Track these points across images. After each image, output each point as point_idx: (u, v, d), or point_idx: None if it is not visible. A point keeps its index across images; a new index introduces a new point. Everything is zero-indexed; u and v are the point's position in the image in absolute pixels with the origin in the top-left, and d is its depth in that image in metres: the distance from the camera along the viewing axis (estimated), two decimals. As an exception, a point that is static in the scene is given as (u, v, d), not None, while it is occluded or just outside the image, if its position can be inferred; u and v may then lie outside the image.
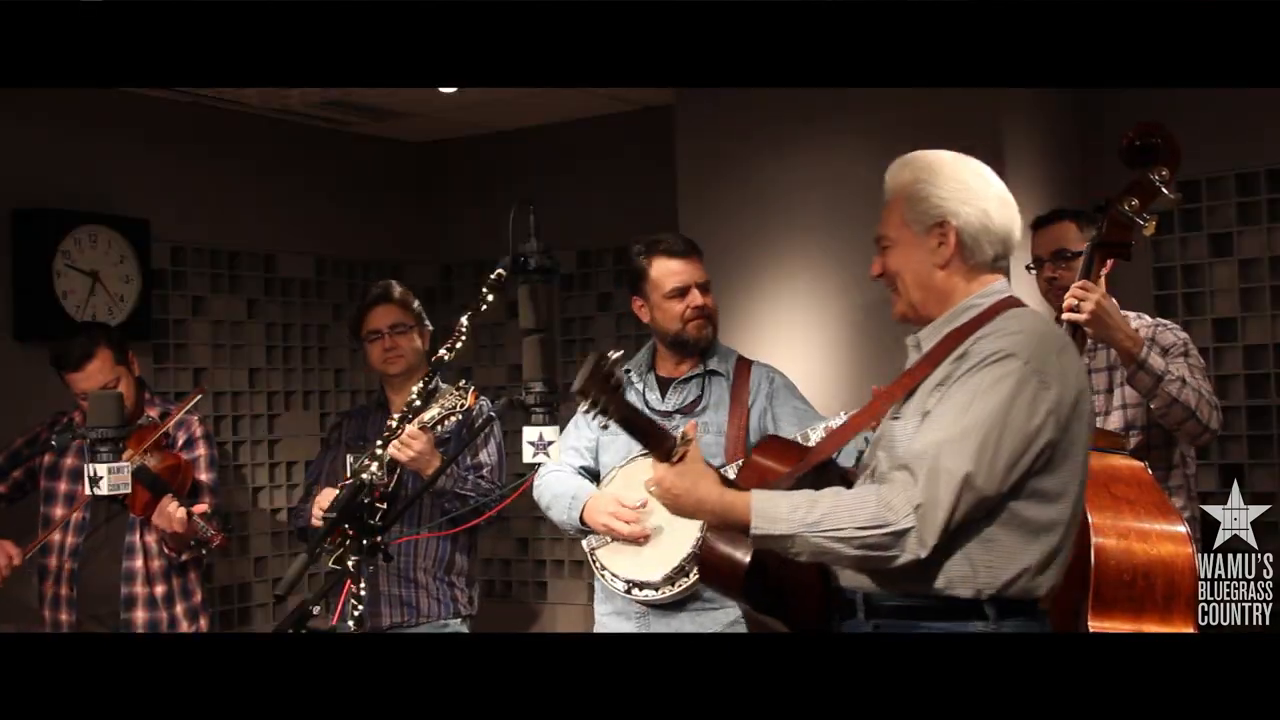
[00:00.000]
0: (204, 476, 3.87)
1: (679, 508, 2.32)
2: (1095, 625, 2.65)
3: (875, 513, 2.17)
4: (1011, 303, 2.34)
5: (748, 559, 2.38)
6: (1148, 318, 3.35)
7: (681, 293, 3.35)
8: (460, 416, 3.39)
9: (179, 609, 3.85)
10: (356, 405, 4.11)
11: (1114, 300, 3.04)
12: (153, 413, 3.87)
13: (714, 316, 3.42)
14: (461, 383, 3.40)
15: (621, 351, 2.35)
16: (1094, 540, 2.67)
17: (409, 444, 3.34)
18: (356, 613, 2.39)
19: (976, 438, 2.17)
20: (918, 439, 2.22)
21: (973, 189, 2.34)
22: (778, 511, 2.21)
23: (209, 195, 5.25)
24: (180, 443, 3.87)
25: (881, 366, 4.30)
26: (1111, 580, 2.65)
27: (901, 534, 2.16)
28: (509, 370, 5.80)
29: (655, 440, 2.33)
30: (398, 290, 3.84)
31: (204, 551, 3.79)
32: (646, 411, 3.21)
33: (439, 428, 3.40)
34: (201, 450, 3.89)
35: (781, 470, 2.46)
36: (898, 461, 2.24)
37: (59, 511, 3.85)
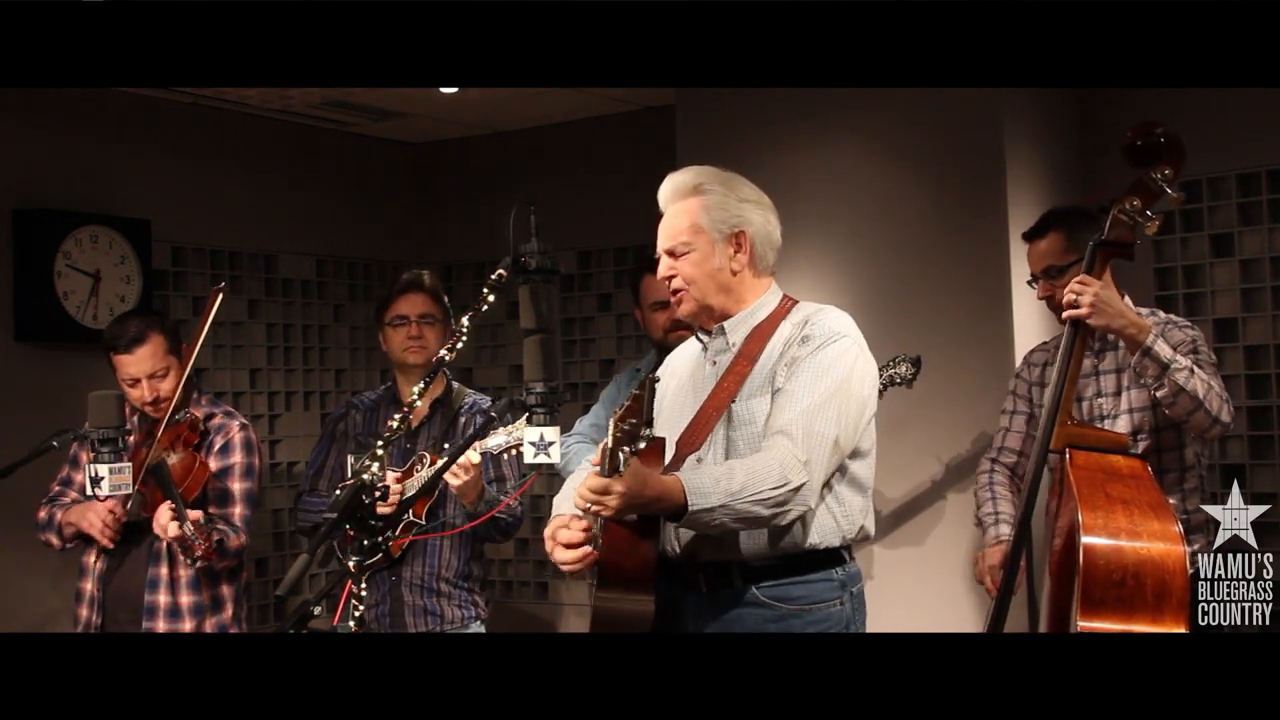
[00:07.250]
0: (236, 486, 3.68)
1: (632, 506, 2.40)
2: (1084, 625, 2.64)
3: (779, 473, 2.44)
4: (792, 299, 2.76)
5: (654, 551, 2.47)
6: (1161, 314, 3.33)
7: (662, 305, 3.59)
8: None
9: (208, 624, 3.62)
10: (362, 395, 3.95)
11: (1114, 290, 3.03)
12: (197, 412, 3.69)
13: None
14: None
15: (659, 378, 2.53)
16: (1083, 539, 2.67)
17: (458, 473, 3.36)
18: (357, 613, 2.39)
19: (835, 405, 2.53)
20: (785, 409, 2.52)
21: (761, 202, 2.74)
22: (705, 486, 2.41)
23: (209, 195, 5.25)
24: (216, 447, 3.68)
25: (879, 364, 4.29)
26: (1101, 579, 2.65)
27: (798, 488, 2.45)
28: (509, 370, 5.80)
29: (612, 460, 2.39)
30: (430, 279, 3.79)
31: (194, 563, 3.49)
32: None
33: (505, 456, 3.42)
34: (237, 458, 3.69)
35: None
36: (772, 431, 2.52)
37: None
